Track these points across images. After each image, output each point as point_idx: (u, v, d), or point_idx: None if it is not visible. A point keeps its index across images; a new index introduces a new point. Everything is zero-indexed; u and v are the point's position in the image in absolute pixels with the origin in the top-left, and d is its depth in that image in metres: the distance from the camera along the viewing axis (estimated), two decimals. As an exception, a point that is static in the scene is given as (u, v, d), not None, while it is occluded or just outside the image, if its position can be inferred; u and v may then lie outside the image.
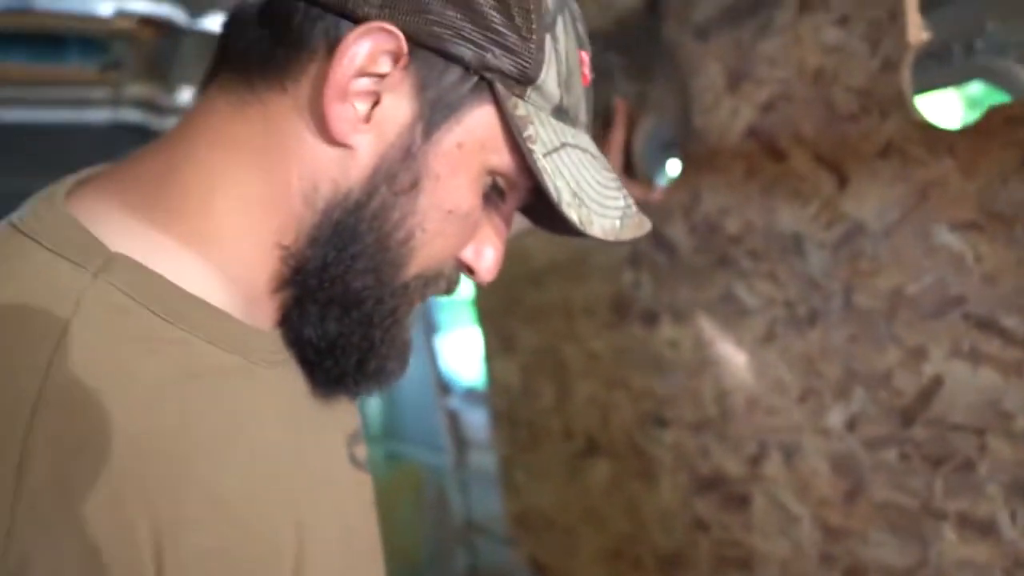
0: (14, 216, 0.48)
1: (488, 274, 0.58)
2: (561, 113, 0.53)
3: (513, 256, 1.69)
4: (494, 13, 0.48)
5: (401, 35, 0.47)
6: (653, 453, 1.41)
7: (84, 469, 0.40)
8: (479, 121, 0.50)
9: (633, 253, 1.38)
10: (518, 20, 0.49)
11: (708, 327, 1.24)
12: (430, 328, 3.33)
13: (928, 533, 0.95)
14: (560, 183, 0.52)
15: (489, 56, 0.49)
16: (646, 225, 0.58)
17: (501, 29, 0.48)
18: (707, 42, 1.15)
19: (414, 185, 0.50)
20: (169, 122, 2.81)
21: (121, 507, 0.40)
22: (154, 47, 2.24)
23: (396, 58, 0.47)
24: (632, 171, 1.32)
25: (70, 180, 0.52)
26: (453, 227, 0.53)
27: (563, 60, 0.52)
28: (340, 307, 0.52)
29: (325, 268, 0.51)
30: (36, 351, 0.41)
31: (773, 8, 1.04)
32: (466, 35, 0.48)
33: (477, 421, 3.05)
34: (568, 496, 1.71)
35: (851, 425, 1.03)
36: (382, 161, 0.49)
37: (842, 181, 0.98)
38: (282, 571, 0.49)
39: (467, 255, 0.57)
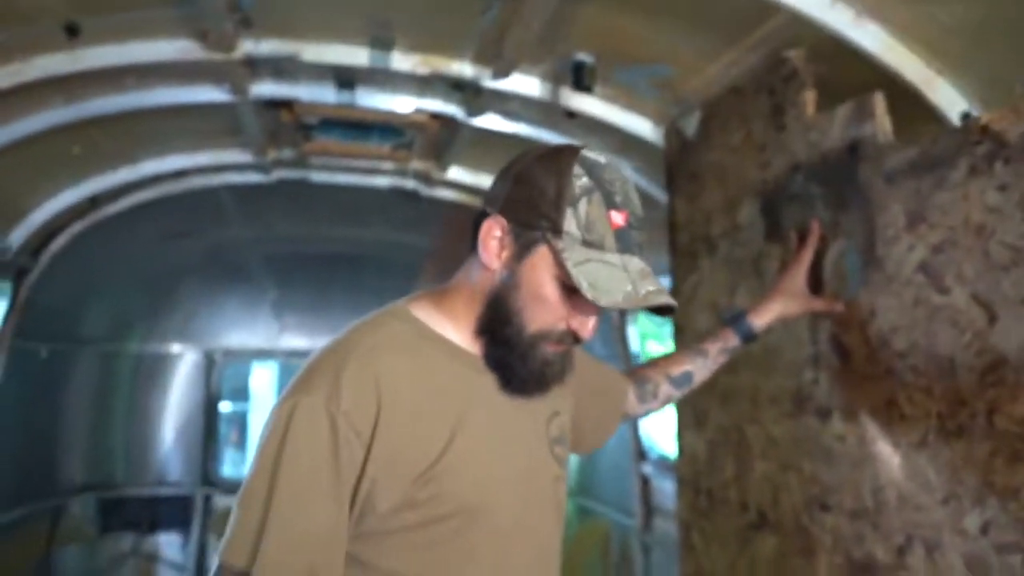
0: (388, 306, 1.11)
1: (588, 334, 1.04)
2: (588, 244, 1.00)
3: (712, 343, 1.92)
4: (544, 207, 1.01)
5: (503, 220, 1.03)
6: (815, 534, 1.58)
7: (364, 377, 0.98)
8: (542, 252, 1.01)
9: (815, 354, 1.58)
10: (554, 207, 1.00)
11: (872, 427, 1.42)
12: (634, 397, 3.56)
13: (1044, 635, 1.08)
14: (582, 278, 0.98)
15: (542, 223, 1.01)
16: (654, 300, 0.99)
17: (546, 212, 1.01)
18: (893, 186, 1.37)
19: (516, 287, 1.03)
20: (437, 191, 3.36)
21: (373, 391, 0.98)
22: (437, 135, 2.76)
23: (503, 229, 1.03)
24: (820, 286, 1.54)
25: (417, 293, 1.12)
26: (543, 306, 1.03)
27: (582, 218, 1.00)
28: (499, 346, 1.05)
29: (489, 326, 1.05)
30: (371, 343, 1.02)
31: (949, 168, 1.24)
32: (531, 217, 1.01)
33: (667, 489, 3.25)
34: (737, 563, 1.89)
35: (984, 529, 1.18)
36: (502, 275, 1.04)
37: (992, 318, 1.16)
38: (430, 455, 1.00)
39: (574, 324, 1.04)
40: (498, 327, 1.04)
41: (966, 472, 1.21)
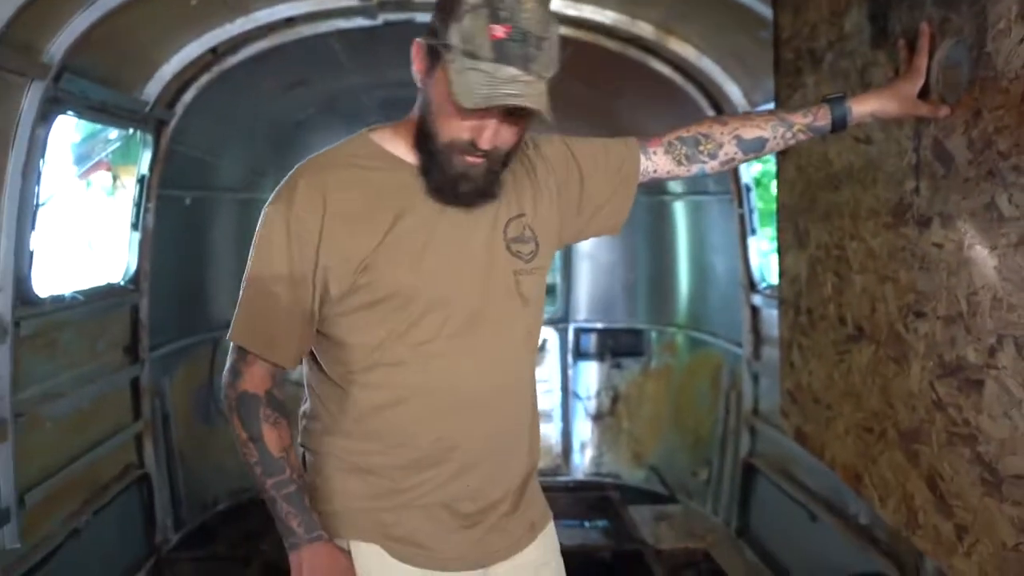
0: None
1: (484, 144, 1.20)
2: (467, 54, 1.14)
3: (815, 162, 1.93)
4: (439, 25, 1.17)
5: (423, 43, 1.22)
6: (909, 340, 1.61)
7: (314, 186, 1.27)
8: (441, 67, 1.17)
9: (918, 162, 1.55)
10: (444, 24, 1.17)
11: (970, 232, 1.40)
12: (745, 230, 3.55)
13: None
14: (454, 84, 1.14)
15: (438, 39, 1.17)
16: (508, 101, 1.13)
17: (440, 30, 1.17)
18: (1007, -27, 1.28)
19: (430, 101, 1.22)
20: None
21: (320, 197, 1.25)
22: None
23: (420, 48, 1.22)
24: (927, 89, 1.49)
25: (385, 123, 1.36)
26: (448, 118, 1.19)
27: (465, 31, 1.14)
28: (424, 156, 1.26)
29: (418, 140, 1.26)
30: (324, 161, 1.32)
31: (1066, -54, 1.15)
32: (434, 36, 1.19)
33: (775, 319, 3.28)
34: (833, 375, 1.95)
35: (1075, 323, 1.17)
36: (424, 92, 1.24)
37: (1099, 107, 1.11)
38: (368, 246, 1.24)
39: (474, 134, 1.19)
40: (423, 140, 1.24)
41: (1060, 268, 1.20)
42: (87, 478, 2.90)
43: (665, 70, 3.32)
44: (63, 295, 2.76)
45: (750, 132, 1.45)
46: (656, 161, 1.47)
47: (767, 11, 2.38)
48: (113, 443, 3.08)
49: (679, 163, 1.47)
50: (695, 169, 1.48)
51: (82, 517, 2.76)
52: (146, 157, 3.26)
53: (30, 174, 2.38)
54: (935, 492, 1.54)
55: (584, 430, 4.78)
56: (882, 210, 1.68)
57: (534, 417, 1.45)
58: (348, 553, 1.32)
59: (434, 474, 1.31)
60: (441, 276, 1.28)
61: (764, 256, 3.56)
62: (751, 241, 3.52)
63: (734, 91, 3.18)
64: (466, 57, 1.14)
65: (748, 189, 3.53)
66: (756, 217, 3.54)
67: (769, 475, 3.38)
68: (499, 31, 1.13)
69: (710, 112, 3.39)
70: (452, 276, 1.29)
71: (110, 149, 3.49)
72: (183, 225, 3.74)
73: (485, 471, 1.34)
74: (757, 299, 3.47)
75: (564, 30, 3.34)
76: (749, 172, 3.56)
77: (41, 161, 2.46)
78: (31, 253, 2.47)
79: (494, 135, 1.19)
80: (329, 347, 1.33)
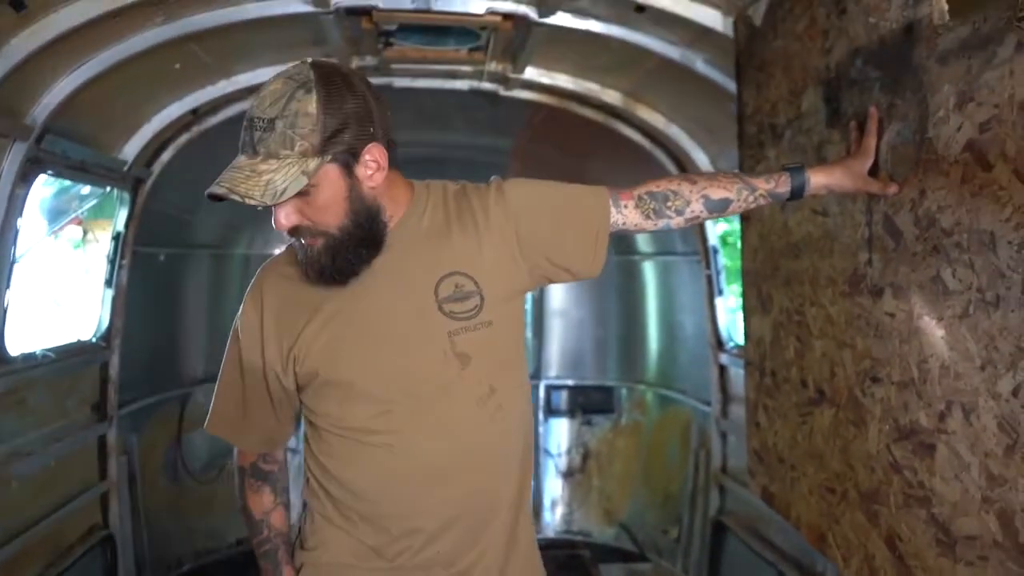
0: None
1: (277, 226, 1.26)
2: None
3: (777, 230, 2.01)
4: None
5: None
6: (866, 405, 1.68)
7: (254, 293, 1.41)
8: None
9: (870, 235, 1.64)
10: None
11: (919, 303, 1.49)
12: (713, 291, 3.65)
13: (1063, 485, 1.16)
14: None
15: None
16: (212, 190, 1.21)
17: None
18: (946, 66, 1.39)
19: None
20: (515, 92, 3.41)
21: (258, 301, 1.39)
22: (510, 36, 2.82)
23: None
24: (876, 168, 1.58)
25: None
26: None
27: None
28: None
29: None
30: (267, 266, 1.45)
31: (997, 45, 1.26)
32: None
33: (742, 377, 3.35)
34: (797, 437, 2.01)
35: (1016, 392, 1.25)
36: None
37: (1030, 192, 1.20)
38: (291, 339, 1.35)
39: None
40: None
41: (1001, 340, 1.28)
42: (50, 539, 2.85)
43: (635, 136, 3.45)
44: (34, 353, 2.75)
45: (717, 193, 1.48)
46: (626, 214, 1.46)
47: (731, 85, 2.50)
48: (78, 503, 3.04)
49: (647, 217, 1.46)
50: (662, 224, 1.48)
51: (44, 580, 2.71)
52: (122, 215, 3.28)
53: (7, 232, 2.40)
54: (894, 552, 1.59)
55: (555, 487, 4.79)
56: (839, 279, 1.77)
57: (520, 477, 1.43)
58: None
59: (407, 544, 1.36)
60: (360, 360, 1.33)
61: (731, 312, 3.65)
62: (718, 301, 3.62)
63: (701, 158, 3.30)
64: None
65: (715, 251, 3.63)
66: (723, 277, 3.65)
67: (738, 533, 3.41)
68: (246, 123, 1.22)
69: (677, 177, 3.50)
70: (372, 358, 1.33)
71: (86, 207, 3.50)
72: (156, 281, 3.75)
73: (455, 537, 1.37)
74: (724, 358, 3.54)
75: (537, 96, 3.46)
76: (715, 231, 3.67)
77: (19, 220, 2.48)
78: (4, 311, 2.47)
79: (282, 217, 1.25)
80: (305, 422, 1.46)
